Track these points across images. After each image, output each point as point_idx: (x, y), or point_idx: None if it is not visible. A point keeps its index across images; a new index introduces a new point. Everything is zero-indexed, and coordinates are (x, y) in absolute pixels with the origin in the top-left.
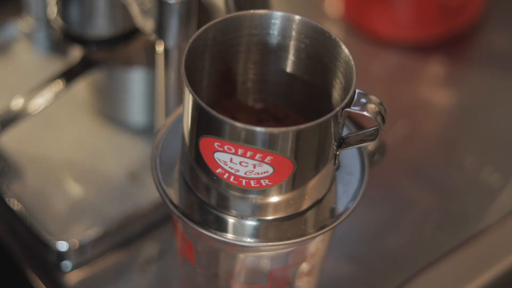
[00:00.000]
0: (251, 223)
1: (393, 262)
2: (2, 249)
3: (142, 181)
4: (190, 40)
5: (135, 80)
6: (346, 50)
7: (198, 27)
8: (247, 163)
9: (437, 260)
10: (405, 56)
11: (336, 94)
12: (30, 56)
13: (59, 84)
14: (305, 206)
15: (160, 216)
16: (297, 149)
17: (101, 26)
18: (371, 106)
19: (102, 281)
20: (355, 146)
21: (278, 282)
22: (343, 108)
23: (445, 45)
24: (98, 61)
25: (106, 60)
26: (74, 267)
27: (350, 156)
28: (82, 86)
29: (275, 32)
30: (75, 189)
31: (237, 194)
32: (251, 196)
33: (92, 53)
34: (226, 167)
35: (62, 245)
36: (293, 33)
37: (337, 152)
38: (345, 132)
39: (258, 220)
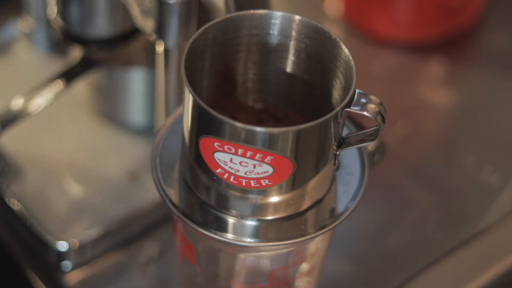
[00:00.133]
0: (251, 223)
1: (393, 262)
2: (2, 249)
3: (142, 181)
4: (190, 40)
5: (135, 80)
6: (346, 50)
7: (198, 27)
8: (247, 163)
9: (437, 260)
10: (405, 56)
11: (336, 94)
12: (30, 56)
13: (59, 84)
14: (305, 206)
15: (160, 216)
16: (297, 149)
17: (101, 26)
18: (371, 106)
19: (102, 281)
20: (355, 146)
21: (278, 282)
22: (343, 108)
23: (445, 45)
24: (98, 61)
25: (106, 60)
26: (74, 267)
27: (350, 156)
28: (82, 86)
29: (275, 32)
30: (75, 189)
31: (237, 194)
32: (251, 196)
33: (92, 53)
34: (226, 167)
35: (62, 245)
36: (293, 33)
37: (337, 152)
38: (345, 132)
39: (258, 220)
